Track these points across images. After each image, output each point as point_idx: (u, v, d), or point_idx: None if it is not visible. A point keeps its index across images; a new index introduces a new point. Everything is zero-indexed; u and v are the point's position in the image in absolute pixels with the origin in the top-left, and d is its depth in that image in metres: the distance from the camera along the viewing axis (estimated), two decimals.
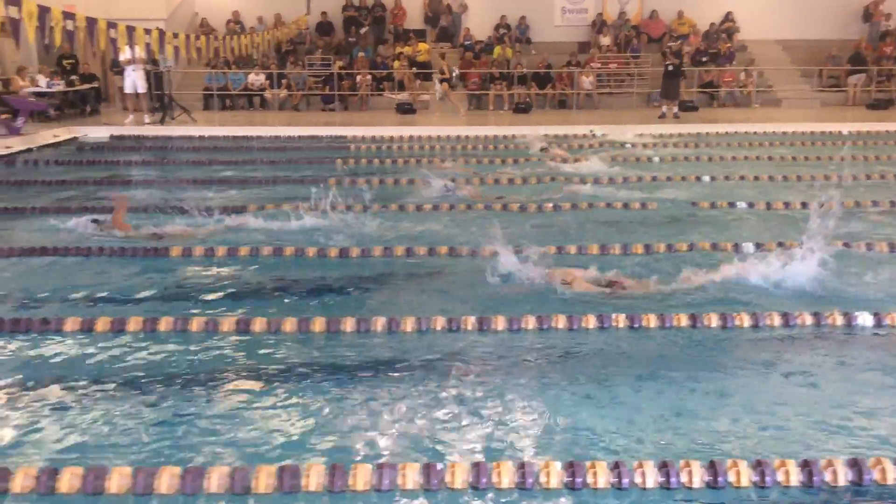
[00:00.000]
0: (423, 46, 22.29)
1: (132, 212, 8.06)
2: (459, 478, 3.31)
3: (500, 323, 5.16)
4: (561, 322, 5.17)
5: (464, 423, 3.92)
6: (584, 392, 4.30)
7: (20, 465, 3.37)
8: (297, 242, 7.14)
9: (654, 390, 4.31)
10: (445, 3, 23.53)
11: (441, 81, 19.23)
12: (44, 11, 11.37)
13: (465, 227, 7.87)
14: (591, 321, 5.18)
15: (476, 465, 3.37)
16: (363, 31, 22.94)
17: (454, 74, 19.86)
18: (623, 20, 23.29)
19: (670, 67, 18.62)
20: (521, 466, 3.36)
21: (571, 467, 3.35)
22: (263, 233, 7.67)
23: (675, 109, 18.44)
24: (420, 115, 19.38)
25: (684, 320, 5.21)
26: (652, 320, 5.21)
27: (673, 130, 15.93)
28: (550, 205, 8.85)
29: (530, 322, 5.17)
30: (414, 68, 21.48)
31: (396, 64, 21.47)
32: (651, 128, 16.17)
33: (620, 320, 5.19)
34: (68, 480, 3.25)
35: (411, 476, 3.31)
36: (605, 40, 22.81)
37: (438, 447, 3.70)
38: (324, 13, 23.04)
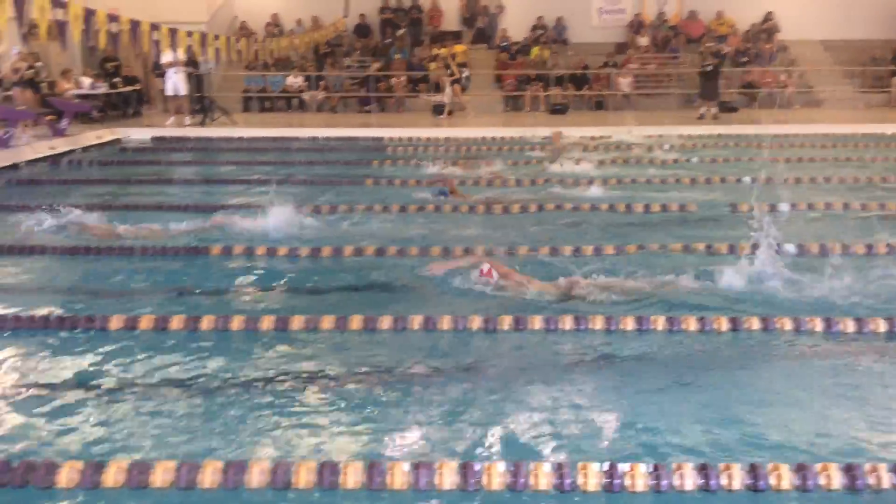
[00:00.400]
0: (459, 48, 22.31)
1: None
2: (496, 479, 3.32)
3: (536, 322, 5.16)
4: (598, 323, 5.16)
5: (503, 423, 3.93)
6: (622, 392, 4.29)
7: (67, 460, 3.45)
8: (335, 242, 7.20)
9: (695, 392, 4.29)
10: (482, 5, 23.54)
11: (452, 83, 19.33)
12: (89, 14, 11.61)
13: (502, 230, 7.90)
14: (629, 323, 5.17)
15: (515, 467, 3.37)
16: (400, 32, 23.03)
17: (464, 75, 19.92)
18: (661, 20, 23.11)
19: (709, 68, 18.45)
20: (559, 468, 3.36)
21: (611, 470, 3.34)
22: (302, 231, 7.76)
23: (715, 110, 18.25)
24: (456, 117, 19.40)
25: (724, 324, 5.16)
26: (692, 323, 5.17)
27: (712, 131, 15.79)
28: (576, 206, 8.90)
29: (567, 322, 5.16)
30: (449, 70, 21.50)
31: (433, 65, 21.53)
32: (689, 129, 16.02)
33: (659, 322, 5.16)
34: (113, 475, 3.32)
35: (448, 476, 3.32)
36: (643, 41, 22.64)
37: (476, 447, 3.71)
38: (361, 15, 23.18)
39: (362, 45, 22.86)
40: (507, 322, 5.17)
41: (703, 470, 3.34)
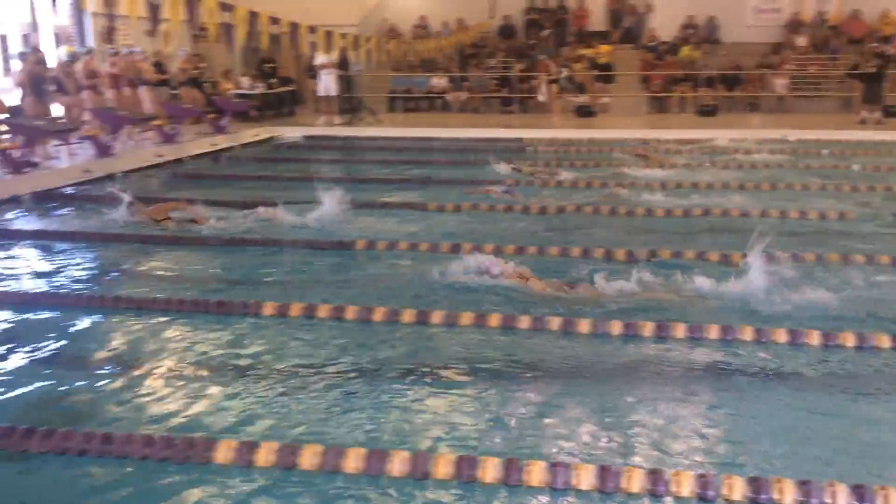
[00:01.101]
0: (605, 48, 21.99)
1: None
2: (636, 483, 3.27)
3: (679, 331, 5.03)
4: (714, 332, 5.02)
5: (644, 428, 3.87)
6: (757, 404, 4.12)
7: (223, 438, 3.67)
8: (477, 240, 7.28)
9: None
10: (630, 4, 23.10)
11: (550, 82, 19.03)
12: (253, 16, 12.28)
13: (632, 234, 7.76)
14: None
15: (653, 473, 3.31)
16: (545, 33, 22.96)
17: (562, 76, 19.55)
18: (821, 20, 21.88)
19: (873, 70, 17.32)
20: (702, 477, 3.27)
21: (755, 483, 3.22)
22: (441, 227, 7.89)
23: (878, 115, 17.11)
24: (599, 118, 19.14)
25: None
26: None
27: (874, 137, 14.83)
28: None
29: (713, 332, 5.00)
30: (595, 70, 21.24)
31: (577, 66, 21.31)
32: (849, 133, 15.12)
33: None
34: (265, 455, 3.50)
35: (586, 477, 3.30)
36: (801, 41, 21.50)
37: (616, 450, 3.66)
38: (506, 17, 23.28)
39: (506, 46, 22.94)
40: (649, 328, 5.08)
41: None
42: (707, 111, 19.24)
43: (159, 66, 15.98)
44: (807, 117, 18.15)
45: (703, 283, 5.83)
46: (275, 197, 8.58)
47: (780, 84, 19.95)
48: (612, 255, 6.83)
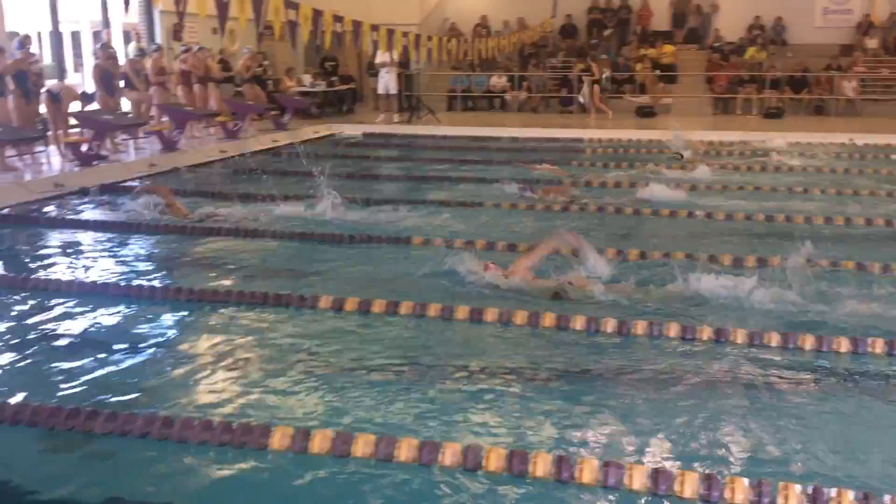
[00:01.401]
0: (668, 48, 21.70)
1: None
2: (689, 488, 3.23)
3: (740, 336, 4.95)
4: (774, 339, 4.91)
5: (699, 432, 3.82)
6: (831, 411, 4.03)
7: (278, 425, 3.74)
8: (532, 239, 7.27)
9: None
10: (695, 4, 22.74)
11: (592, 83, 18.85)
12: (317, 15, 12.45)
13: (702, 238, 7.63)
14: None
15: (707, 478, 3.27)
16: (607, 33, 22.76)
17: (604, 76, 19.32)
18: (893, 21, 21.21)
19: None
20: (758, 485, 3.21)
21: (814, 494, 3.16)
22: (496, 225, 7.89)
23: None
24: (660, 119, 18.90)
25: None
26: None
27: None
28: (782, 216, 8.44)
29: (774, 339, 4.91)
30: (657, 70, 20.98)
31: (639, 66, 21.08)
32: None
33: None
34: (319, 442, 3.55)
35: (637, 477, 3.28)
36: (872, 43, 20.90)
37: (672, 453, 3.62)
38: (568, 16, 23.13)
39: (567, 45, 22.80)
40: (706, 332, 5.01)
41: None
42: (773, 114, 18.84)
43: (224, 64, 16.32)
44: (876, 121, 17.63)
45: (760, 291, 5.70)
46: (333, 193, 8.68)
47: (848, 87, 19.42)
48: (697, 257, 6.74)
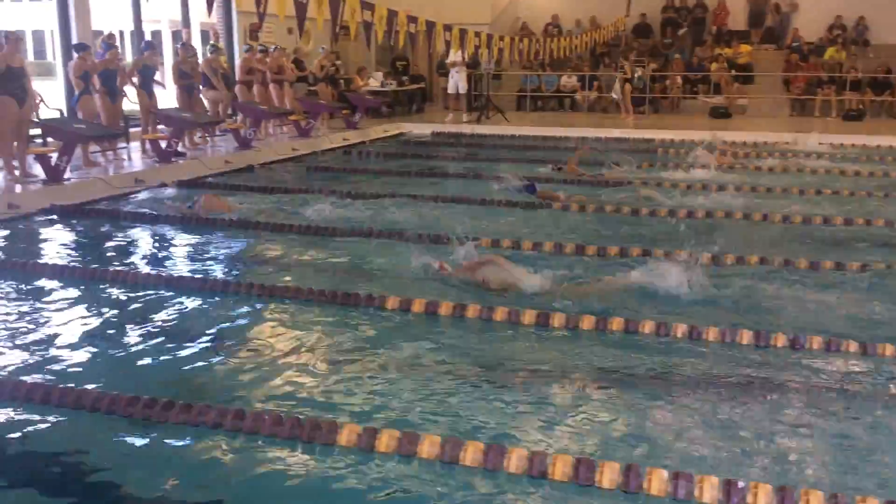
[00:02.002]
0: (745, 48, 21.20)
1: None
2: (762, 499, 3.16)
3: (816, 343, 4.82)
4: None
5: (768, 441, 3.73)
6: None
7: (346, 423, 3.79)
8: (599, 242, 7.20)
9: None
10: (773, 3, 22.17)
11: (625, 82, 18.47)
12: (392, 15, 12.56)
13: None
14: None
15: (781, 490, 3.19)
16: (681, 32, 22.37)
17: (636, 75, 18.90)
18: None
19: None
20: (835, 499, 3.12)
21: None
22: (563, 226, 7.84)
23: None
24: (735, 120, 18.48)
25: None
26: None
27: None
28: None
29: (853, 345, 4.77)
30: (733, 70, 20.52)
31: (714, 66, 20.65)
32: None
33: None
34: (385, 441, 3.59)
35: (708, 490, 3.22)
36: None
37: (742, 465, 3.55)
38: (642, 15, 22.82)
39: (640, 44, 22.49)
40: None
41: None
42: (853, 116, 18.24)
43: (299, 64, 16.60)
44: None
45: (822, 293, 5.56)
46: (401, 191, 8.74)
47: None
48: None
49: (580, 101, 20.90)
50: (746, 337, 4.94)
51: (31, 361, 4.68)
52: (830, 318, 5.37)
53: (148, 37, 15.39)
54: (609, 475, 3.30)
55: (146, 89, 12.05)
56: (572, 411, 4.08)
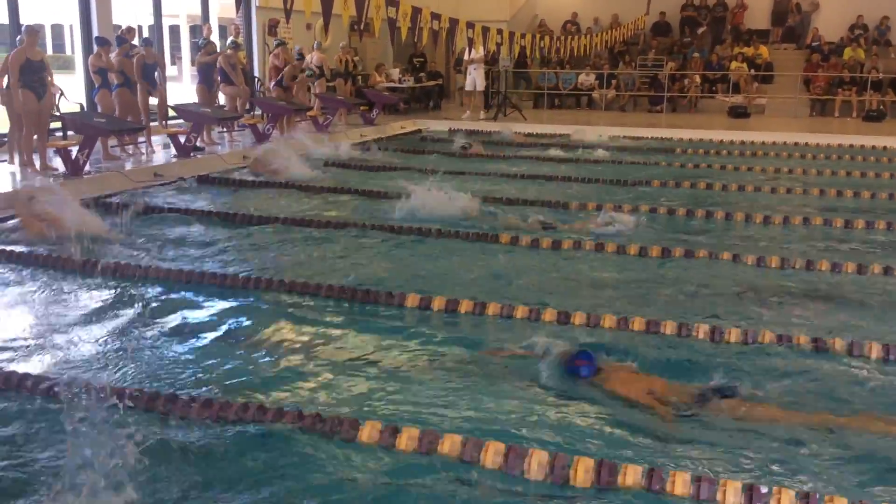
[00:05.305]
0: (762, 50, 21.06)
1: None
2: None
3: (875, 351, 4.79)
4: None
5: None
6: None
7: (367, 420, 3.79)
8: (624, 241, 7.18)
9: None
10: (794, 2, 22.00)
11: None
12: (416, 12, 12.53)
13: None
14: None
15: (806, 496, 3.17)
16: (700, 31, 22.24)
17: None
18: None
19: None
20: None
21: None
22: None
23: None
24: (754, 120, 18.36)
25: None
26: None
27: None
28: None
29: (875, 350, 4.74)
30: (752, 70, 20.39)
31: (733, 65, 20.52)
32: None
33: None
34: (406, 439, 3.59)
35: (731, 495, 3.20)
36: None
37: (764, 471, 3.53)
38: (662, 13, 22.70)
39: (659, 43, 22.38)
40: (803, 340, 4.87)
41: None
42: (873, 117, 18.09)
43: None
44: None
45: None
46: (419, 187, 8.72)
47: None
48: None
49: (597, 100, 20.82)
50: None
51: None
52: None
53: (166, 31, 15.45)
54: (633, 477, 3.29)
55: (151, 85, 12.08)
56: (594, 413, 4.06)
